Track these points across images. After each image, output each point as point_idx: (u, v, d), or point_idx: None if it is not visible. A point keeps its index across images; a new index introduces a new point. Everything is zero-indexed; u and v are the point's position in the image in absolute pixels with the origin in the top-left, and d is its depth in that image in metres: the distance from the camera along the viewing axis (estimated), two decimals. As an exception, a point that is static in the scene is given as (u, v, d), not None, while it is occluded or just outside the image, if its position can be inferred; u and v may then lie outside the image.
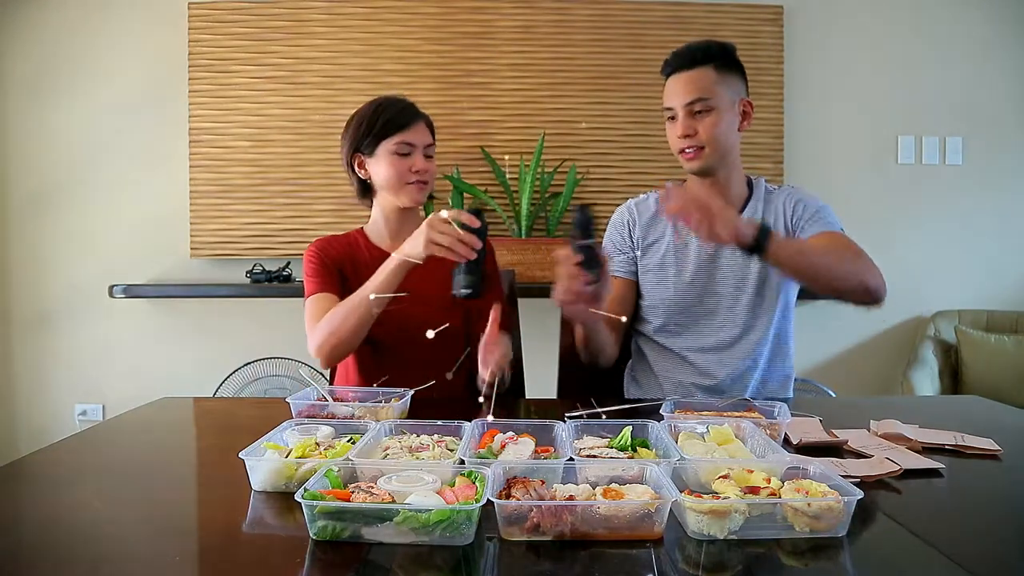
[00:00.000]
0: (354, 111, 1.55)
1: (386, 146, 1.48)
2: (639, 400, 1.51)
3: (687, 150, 1.48)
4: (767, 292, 1.53)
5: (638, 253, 1.60)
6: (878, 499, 0.85)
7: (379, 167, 1.50)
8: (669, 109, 1.50)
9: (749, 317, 1.53)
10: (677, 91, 1.48)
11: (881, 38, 3.11)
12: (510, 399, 1.63)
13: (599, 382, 1.68)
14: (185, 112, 2.98)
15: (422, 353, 1.47)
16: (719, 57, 1.48)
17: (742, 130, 1.52)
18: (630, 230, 1.62)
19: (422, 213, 1.66)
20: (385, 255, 1.50)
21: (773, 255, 1.26)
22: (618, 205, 1.68)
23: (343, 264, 1.54)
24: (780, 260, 1.29)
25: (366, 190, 1.57)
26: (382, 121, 1.49)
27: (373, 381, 1.46)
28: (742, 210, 1.56)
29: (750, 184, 1.59)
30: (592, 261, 1.20)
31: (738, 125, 1.50)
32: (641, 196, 1.67)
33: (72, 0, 2.99)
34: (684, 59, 1.49)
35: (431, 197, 1.71)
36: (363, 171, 1.53)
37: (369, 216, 1.62)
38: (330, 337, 1.39)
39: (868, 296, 1.41)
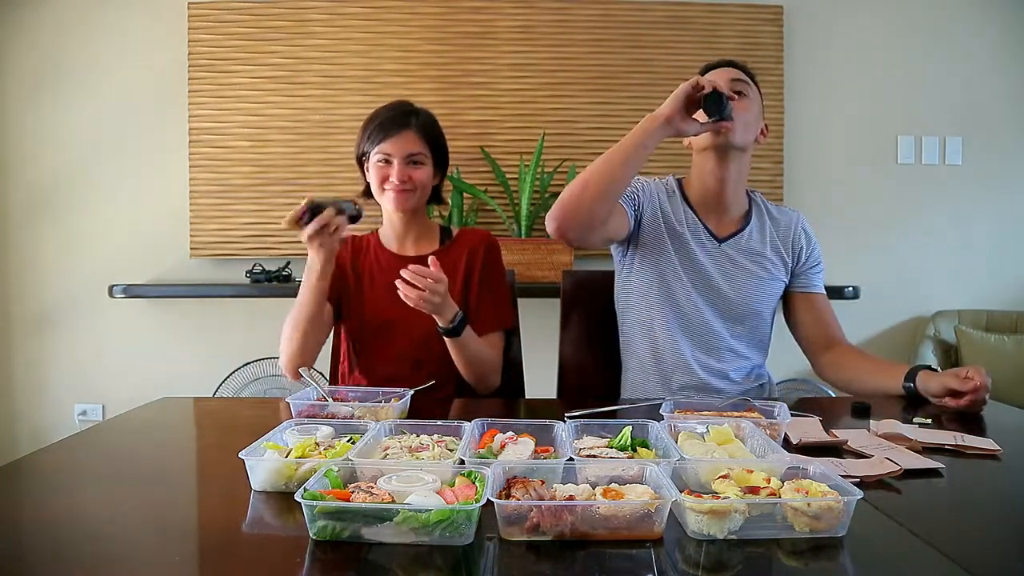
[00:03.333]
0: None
1: (373, 155, 1.54)
2: (637, 400, 1.51)
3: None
4: (759, 304, 1.57)
5: (644, 224, 1.57)
6: (878, 499, 0.85)
7: (370, 173, 1.56)
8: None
9: (742, 323, 1.55)
10: (722, 74, 1.52)
11: (881, 38, 3.12)
12: (510, 399, 1.64)
13: (597, 383, 1.69)
14: (185, 112, 2.98)
15: (412, 353, 1.52)
16: (752, 76, 1.56)
17: (757, 144, 1.56)
18: (656, 199, 1.58)
19: (433, 219, 1.70)
20: (391, 256, 1.60)
21: None
22: None
23: (345, 261, 1.60)
24: None
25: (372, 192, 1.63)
26: (371, 128, 1.55)
27: (368, 381, 1.52)
28: (746, 221, 1.58)
29: (748, 195, 1.64)
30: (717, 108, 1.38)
31: (757, 134, 1.55)
32: (664, 179, 1.64)
33: (72, 0, 2.99)
34: (725, 62, 1.56)
35: (440, 202, 1.73)
36: (368, 174, 1.59)
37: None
38: (288, 347, 1.48)
39: None
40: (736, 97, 1.47)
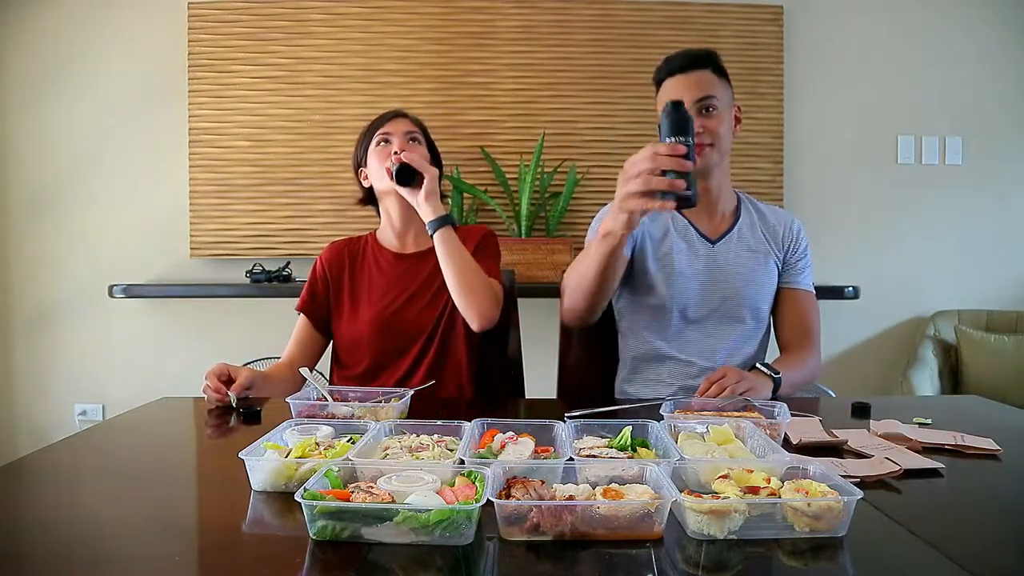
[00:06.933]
0: None
1: (373, 140, 1.59)
2: (637, 400, 1.51)
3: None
4: (759, 300, 1.57)
5: (637, 245, 1.60)
6: (878, 499, 0.85)
7: (370, 166, 1.59)
8: None
9: (743, 322, 1.55)
10: (685, 88, 1.49)
11: (881, 38, 3.12)
12: (510, 399, 1.64)
13: (598, 383, 1.69)
14: (185, 112, 2.98)
15: (413, 353, 1.53)
16: (715, 63, 1.53)
17: (734, 136, 1.56)
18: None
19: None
20: (392, 256, 1.63)
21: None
22: None
23: (342, 268, 1.62)
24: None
25: (372, 198, 1.66)
26: (367, 128, 1.62)
27: (364, 379, 1.54)
28: (735, 218, 1.59)
29: (736, 195, 1.64)
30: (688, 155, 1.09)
31: (732, 130, 1.53)
32: None
33: (72, 0, 2.99)
34: (685, 60, 1.51)
35: (442, 196, 1.73)
36: (367, 181, 1.63)
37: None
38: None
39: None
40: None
